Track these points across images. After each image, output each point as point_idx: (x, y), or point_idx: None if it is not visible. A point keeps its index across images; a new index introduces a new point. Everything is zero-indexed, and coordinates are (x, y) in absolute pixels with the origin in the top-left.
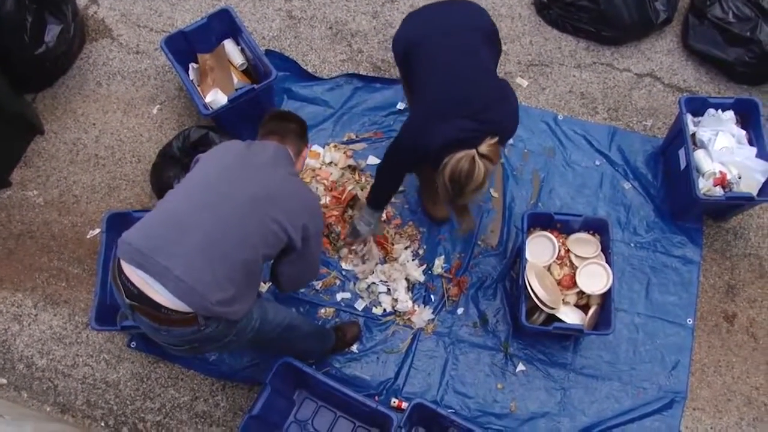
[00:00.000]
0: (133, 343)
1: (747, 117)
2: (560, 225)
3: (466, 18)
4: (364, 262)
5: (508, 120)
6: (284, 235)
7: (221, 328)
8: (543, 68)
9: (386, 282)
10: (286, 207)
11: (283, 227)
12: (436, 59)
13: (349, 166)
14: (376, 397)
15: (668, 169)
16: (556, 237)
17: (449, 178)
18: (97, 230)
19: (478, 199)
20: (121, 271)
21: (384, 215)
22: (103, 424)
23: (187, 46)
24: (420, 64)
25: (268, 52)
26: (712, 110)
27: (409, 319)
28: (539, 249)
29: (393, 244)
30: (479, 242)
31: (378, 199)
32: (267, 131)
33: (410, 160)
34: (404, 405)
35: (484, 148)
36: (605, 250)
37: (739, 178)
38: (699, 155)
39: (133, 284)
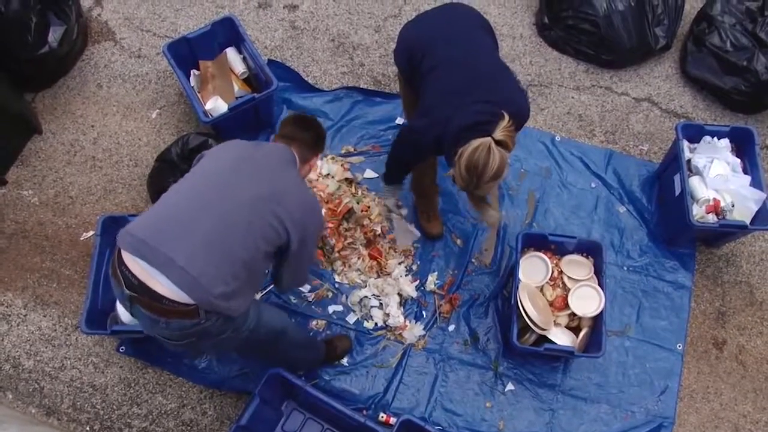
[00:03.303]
0: (122, 347)
1: (742, 145)
2: (554, 246)
3: (462, 15)
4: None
5: (520, 104)
6: (284, 232)
7: (219, 324)
8: (542, 89)
9: (378, 296)
10: (288, 206)
11: (284, 225)
12: (442, 50)
13: (346, 179)
14: (365, 411)
15: (663, 194)
16: (549, 258)
17: (466, 168)
18: (91, 233)
19: (495, 189)
20: (121, 262)
21: (379, 229)
22: (88, 428)
23: (189, 52)
24: (427, 58)
25: (270, 62)
26: (708, 137)
27: (400, 334)
28: (532, 269)
29: (387, 259)
30: (473, 260)
31: (391, 178)
32: (281, 134)
33: (425, 146)
34: (392, 420)
35: (499, 133)
36: (598, 272)
37: (733, 206)
38: (694, 182)
39: (133, 275)
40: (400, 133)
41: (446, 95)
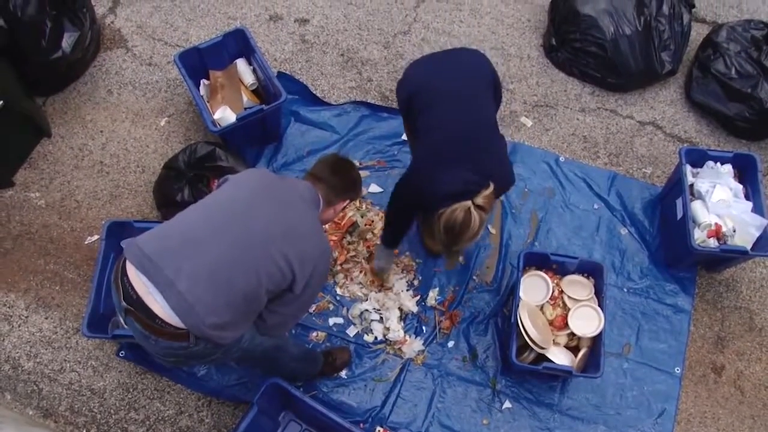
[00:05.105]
0: (122, 352)
1: (745, 171)
2: (556, 266)
3: (470, 67)
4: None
5: (507, 179)
6: (290, 274)
7: (209, 348)
8: (548, 109)
9: (379, 310)
10: (299, 248)
11: (291, 267)
12: (442, 107)
13: None
14: (362, 425)
15: (665, 217)
16: (550, 277)
17: (444, 228)
18: (96, 237)
19: (498, 207)
20: (124, 273)
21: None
22: (85, 431)
23: (200, 62)
24: (424, 111)
25: (279, 74)
26: (711, 163)
27: (399, 348)
28: (533, 288)
29: (389, 275)
30: (474, 277)
31: (388, 237)
32: (310, 172)
33: (414, 204)
34: None
35: (479, 199)
36: (598, 293)
37: (734, 231)
38: (696, 206)
39: (133, 288)
40: (394, 192)
41: (438, 159)
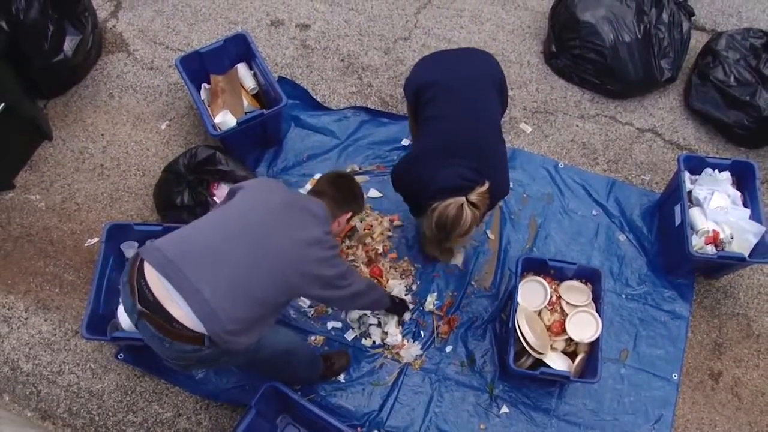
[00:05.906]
0: (120, 354)
1: (743, 179)
2: (554, 271)
3: (478, 65)
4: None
5: (502, 186)
6: (300, 287)
7: (217, 352)
8: (547, 116)
9: (377, 315)
10: (308, 261)
11: (305, 279)
12: (447, 102)
13: None
14: (359, 429)
15: (663, 224)
16: (548, 283)
17: (436, 223)
18: (96, 239)
19: (465, 243)
20: (141, 275)
21: (381, 248)
22: None
23: (201, 66)
24: (430, 103)
25: (280, 79)
26: (709, 170)
27: (397, 353)
28: (531, 294)
29: (387, 278)
30: (472, 282)
31: (412, 212)
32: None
33: (410, 190)
34: None
35: (473, 196)
36: (596, 299)
37: (732, 238)
38: (694, 213)
39: (151, 292)
40: (392, 181)
41: (438, 150)
